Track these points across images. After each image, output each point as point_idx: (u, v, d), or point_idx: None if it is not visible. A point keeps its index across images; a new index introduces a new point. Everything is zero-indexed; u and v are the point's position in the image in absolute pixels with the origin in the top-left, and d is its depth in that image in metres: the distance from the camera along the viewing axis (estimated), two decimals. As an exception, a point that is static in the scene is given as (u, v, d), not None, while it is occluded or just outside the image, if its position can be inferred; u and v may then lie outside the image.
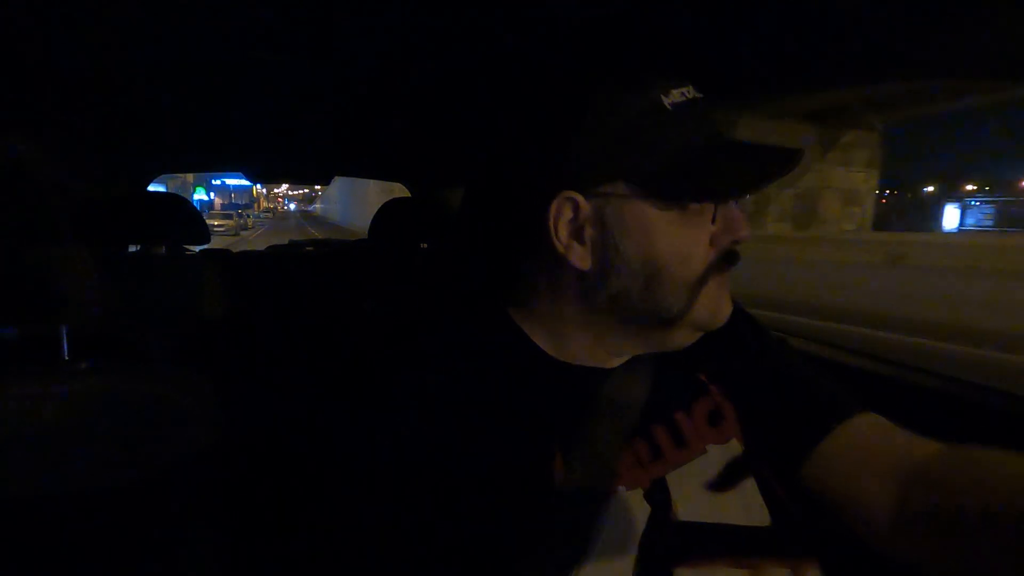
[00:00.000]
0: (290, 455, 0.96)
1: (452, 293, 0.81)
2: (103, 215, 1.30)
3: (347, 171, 2.54)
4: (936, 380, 0.93)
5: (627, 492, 0.61)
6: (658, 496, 0.62)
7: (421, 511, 0.57)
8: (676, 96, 0.58)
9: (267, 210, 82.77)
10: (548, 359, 0.65)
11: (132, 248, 1.53)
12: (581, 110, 0.59)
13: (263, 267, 1.92)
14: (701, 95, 0.61)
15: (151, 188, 2.24)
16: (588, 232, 0.59)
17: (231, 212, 37.21)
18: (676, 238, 0.59)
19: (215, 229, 25.24)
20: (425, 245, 1.75)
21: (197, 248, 1.62)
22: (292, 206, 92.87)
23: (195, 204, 2.21)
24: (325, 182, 2.38)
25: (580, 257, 0.60)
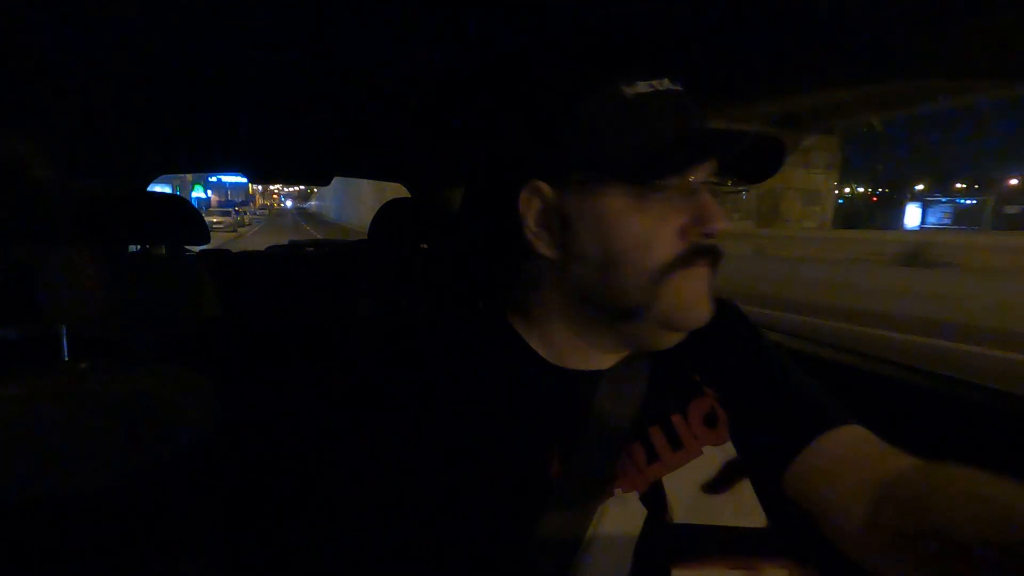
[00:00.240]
0: (289, 454, 0.94)
1: (451, 294, 0.80)
2: (103, 215, 1.27)
3: (347, 171, 2.48)
4: (927, 379, 0.92)
5: (624, 494, 0.60)
6: (655, 499, 0.60)
7: (418, 512, 0.56)
8: (642, 88, 0.57)
9: (263, 207, 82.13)
10: (542, 362, 0.64)
11: (132, 248, 1.49)
12: (545, 103, 0.60)
13: (263, 267, 1.89)
14: (677, 88, 0.58)
15: (155, 189, 2.20)
16: (552, 220, 0.59)
17: (228, 209, 36.90)
18: (636, 226, 0.56)
19: (215, 226, 25.68)
20: (425, 245, 1.71)
21: (197, 248, 1.59)
22: (289, 203, 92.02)
23: (194, 202, 2.16)
24: (325, 182, 2.32)
25: (547, 245, 0.60)
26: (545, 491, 0.58)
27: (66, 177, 1.19)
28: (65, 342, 0.87)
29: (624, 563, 0.57)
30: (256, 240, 18.53)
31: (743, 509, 0.62)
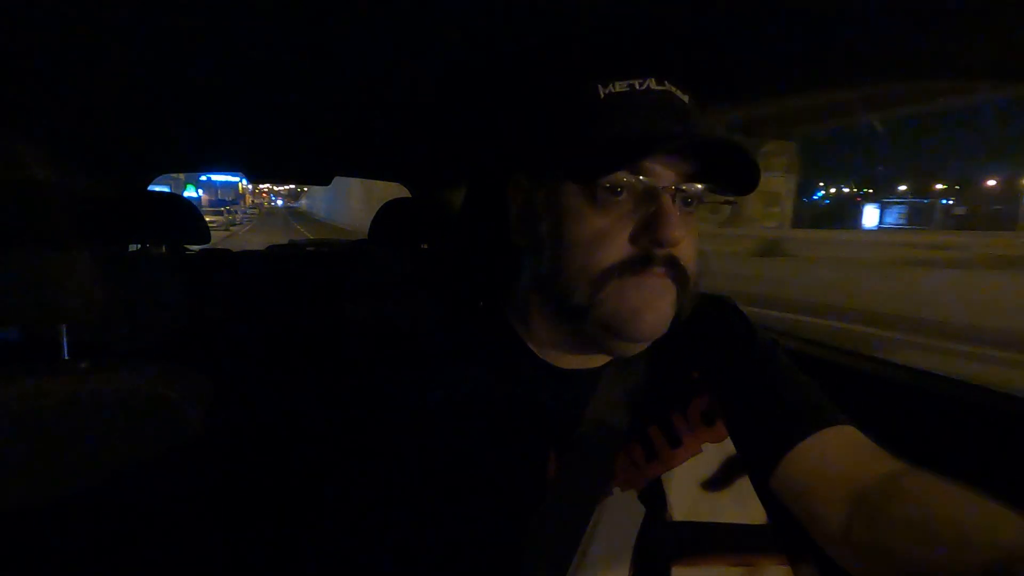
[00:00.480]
0: (289, 454, 0.92)
1: (452, 294, 0.79)
2: (104, 214, 1.23)
3: (347, 171, 2.41)
4: (924, 379, 0.91)
5: (622, 493, 0.58)
6: (654, 496, 0.59)
7: (415, 512, 0.54)
8: (619, 88, 0.54)
9: (253, 206, 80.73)
10: (538, 361, 0.62)
11: (133, 247, 1.44)
12: (527, 101, 0.61)
13: (264, 267, 1.84)
14: (661, 87, 0.55)
15: (153, 189, 2.13)
16: (530, 214, 0.58)
17: (220, 208, 36.32)
18: (586, 225, 0.53)
19: (209, 225, 24.92)
20: (425, 245, 1.68)
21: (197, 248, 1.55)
22: (279, 202, 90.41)
23: None
24: (325, 182, 2.26)
25: (523, 238, 0.60)
26: (542, 491, 0.56)
27: (66, 177, 1.16)
28: (65, 342, 0.84)
29: (624, 561, 0.55)
30: (250, 238, 18.29)
31: (743, 506, 0.61)
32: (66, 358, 0.85)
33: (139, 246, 1.42)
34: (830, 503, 0.55)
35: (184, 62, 0.86)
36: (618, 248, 0.53)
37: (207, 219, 1.50)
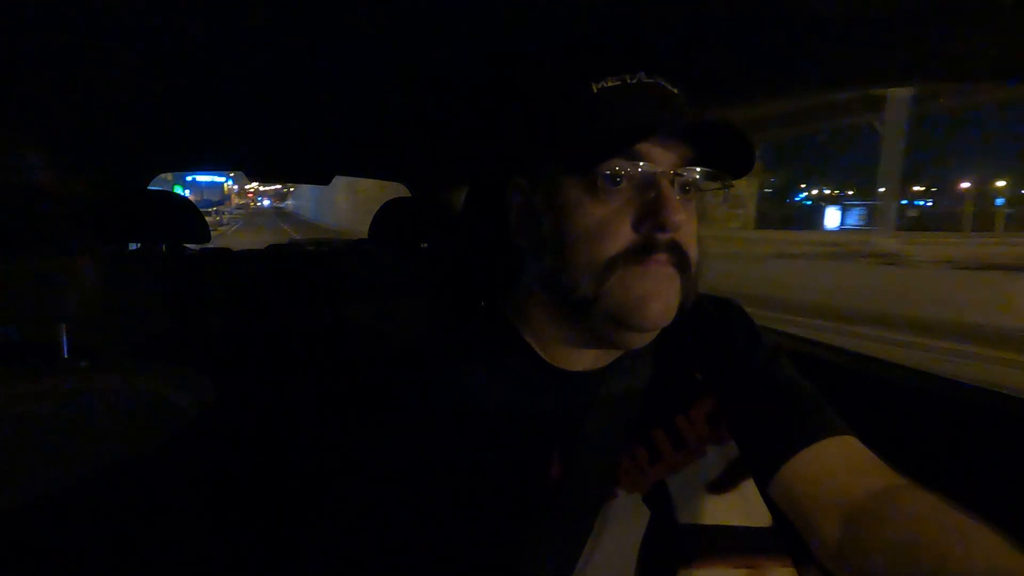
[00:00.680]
0: (290, 454, 0.90)
1: (452, 294, 0.77)
2: (104, 213, 1.19)
3: (347, 171, 2.35)
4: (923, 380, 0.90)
5: (626, 496, 0.57)
6: (658, 499, 0.57)
7: (418, 513, 0.53)
8: (611, 83, 0.54)
9: (240, 206, 79.11)
10: (541, 362, 0.61)
11: (133, 246, 1.41)
12: (523, 101, 0.60)
13: (264, 266, 1.80)
14: (651, 80, 0.55)
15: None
16: (529, 214, 0.58)
17: (209, 209, 35.67)
18: (589, 217, 0.53)
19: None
20: (425, 245, 1.65)
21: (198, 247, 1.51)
22: (266, 203, 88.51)
23: None
24: (325, 182, 2.21)
25: (524, 238, 0.59)
26: (546, 493, 0.55)
27: (66, 176, 1.12)
28: (65, 342, 0.81)
29: (629, 564, 0.54)
30: (239, 238, 17.99)
31: (748, 508, 0.60)
32: (66, 358, 0.82)
33: (139, 245, 1.39)
34: (825, 517, 0.54)
35: (184, 62, 0.84)
36: (621, 237, 0.52)
37: None
